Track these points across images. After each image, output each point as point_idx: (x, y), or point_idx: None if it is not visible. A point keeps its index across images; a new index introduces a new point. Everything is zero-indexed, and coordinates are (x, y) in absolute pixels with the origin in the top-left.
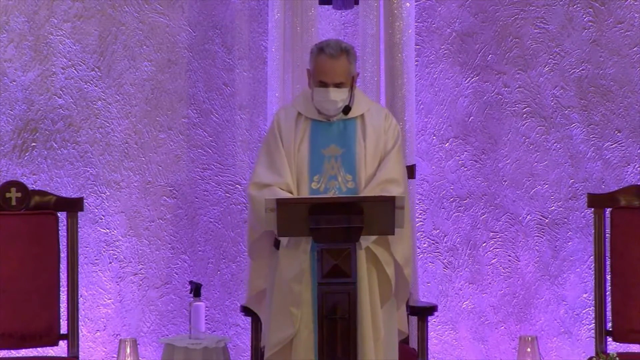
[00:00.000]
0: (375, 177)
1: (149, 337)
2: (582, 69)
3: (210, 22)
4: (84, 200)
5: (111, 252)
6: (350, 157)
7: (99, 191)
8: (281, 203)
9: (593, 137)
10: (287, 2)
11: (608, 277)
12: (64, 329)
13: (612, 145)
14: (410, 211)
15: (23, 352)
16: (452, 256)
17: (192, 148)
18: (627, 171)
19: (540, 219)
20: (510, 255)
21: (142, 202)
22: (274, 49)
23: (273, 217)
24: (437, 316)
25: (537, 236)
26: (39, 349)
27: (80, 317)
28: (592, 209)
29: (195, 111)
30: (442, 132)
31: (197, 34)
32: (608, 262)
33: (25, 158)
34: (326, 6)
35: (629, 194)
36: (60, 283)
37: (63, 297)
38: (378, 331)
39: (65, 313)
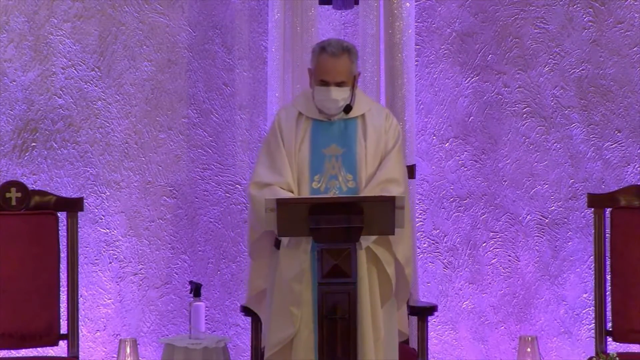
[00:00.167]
0: (376, 177)
1: (149, 337)
2: (582, 69)
3: (210, 22)
4: (84, 200)
5: (111, 252)
6: (351, 156)
7: (99, 191)
8: (281, 203)
9: (593, 137)
10: (287, 2)
11: (608, 277)
12: (64, 329)
13: (612, 145)
14: (410, 211)
15: (23, 352)
16: (452, 256)
17: (192, 148)
18: (627, 171)
19: (540, 219)
20: (510, 255)
21: (142, 202)
22: (274, 49)
23: (273, 217)
24: (437, 316)
25: (537, 236)
26: (39, 349)
27: (80, 317)
28: (592, 209)
29: (195, 111)
30: (442, 132)
31: (197, 34)
32: (608, 262)
33: (25, 158)
34: (326, 6)
35: (629, 194)
36: (60, 283)
37: (63, 297)
38: (378, 331)
39: (65, 313)
